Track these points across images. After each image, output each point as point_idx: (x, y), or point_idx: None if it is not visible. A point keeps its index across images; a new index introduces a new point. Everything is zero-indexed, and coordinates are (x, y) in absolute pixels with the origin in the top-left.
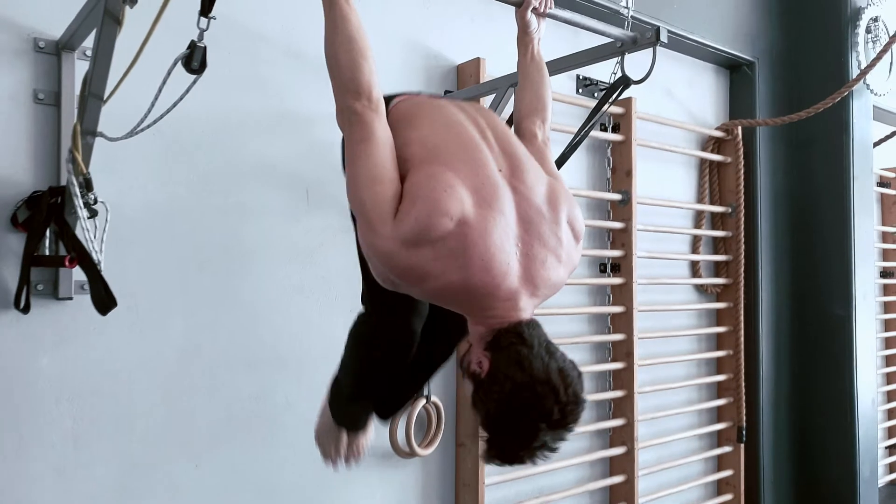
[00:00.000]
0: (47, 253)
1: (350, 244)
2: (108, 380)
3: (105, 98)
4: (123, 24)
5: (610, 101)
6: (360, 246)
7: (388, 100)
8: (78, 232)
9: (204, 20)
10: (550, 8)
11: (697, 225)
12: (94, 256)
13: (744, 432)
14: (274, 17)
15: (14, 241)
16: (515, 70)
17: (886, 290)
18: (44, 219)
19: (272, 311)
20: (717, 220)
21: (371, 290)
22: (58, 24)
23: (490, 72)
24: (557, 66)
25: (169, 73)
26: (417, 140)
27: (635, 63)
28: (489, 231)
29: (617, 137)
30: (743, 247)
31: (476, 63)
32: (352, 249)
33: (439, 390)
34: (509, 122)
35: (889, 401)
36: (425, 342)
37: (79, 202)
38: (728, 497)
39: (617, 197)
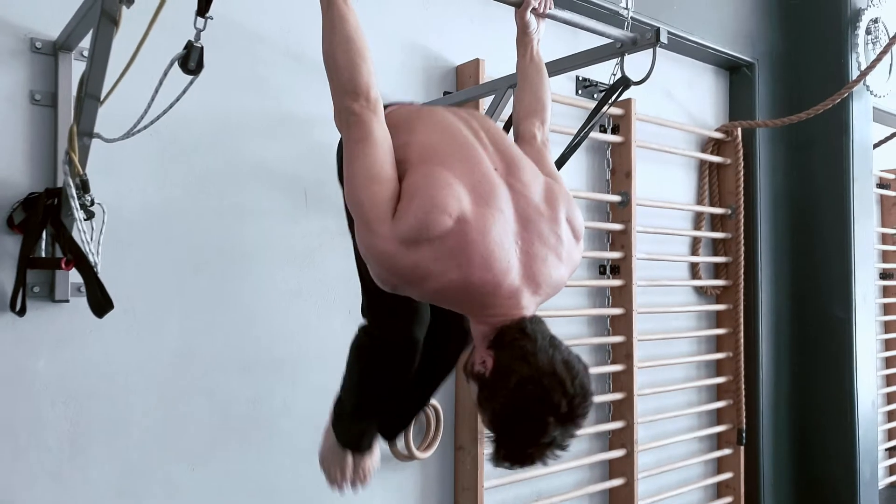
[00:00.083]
0: (43, 255)
1: (348, 247)
2: (104, 382)
3: (102, 99)
4: (120, 24)
5: (610, 102)
6: (358, 253)
7: None
8: (74, 234)
9: (201, 20)
10: (550, 8)
11: (697, 226)
12: (91, 258)
13: (744, 434)
14: (272, 17)
15: (10, 243)
16: (514, 71)
17: (886, 291)
18: (40, 220)
19: (270, 313)
20: (716, 222)
21: (371, 298)
22: (55, 24)
23: (489, 73)
24: (557, 67)
25: (165, 74)
26: (412, 143)
27: (635, 64)
28: (488, 228)
29: (616, 139)
30: (743, 248)
31: (475, 64)
32: (350, 252)
33: (438, 393)
34: (508, 122)
35: (889, 403)
36: (427, 355)
37: (75, 204)
38: (728, 500)
39: (616, 198)
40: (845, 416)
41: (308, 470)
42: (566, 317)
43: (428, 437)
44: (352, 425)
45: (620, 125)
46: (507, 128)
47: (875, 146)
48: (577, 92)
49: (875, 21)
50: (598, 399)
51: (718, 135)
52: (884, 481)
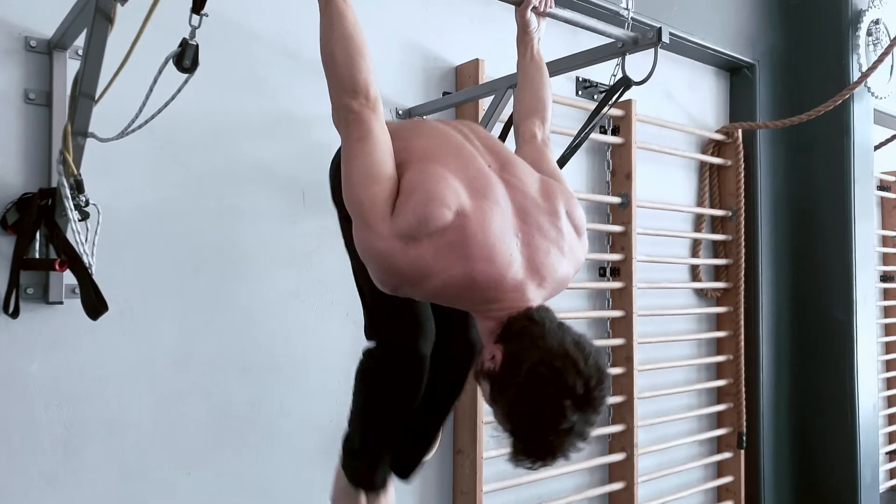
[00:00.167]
0: (37, 256)
1: None
2: (99, 385)
3: (96, 98)
4: (115, 21)
5: (611, 102)
6: (356, 269)
7: None
8: (69, 234)
9: (196, 17)
10: (551, 7)
11: (697, 228)
12: (85, 259)
13: (744, 438)
14: (270, 16)
15: (3, 244)
16: (514, 71)
17: (886, 294)
18: (34, 221)
19: (267, 315)
20: (717, 224)
21: (372, 313)
22: (50, 22)
23: (489, 73)
24: (557, 67)
25: (160, 72)
26: (407, 148)
27: (635, 65)
28: (488, 221)
29: (617, 140)
30: (743, 250)
31: (475, 64)
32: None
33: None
34: (509, 123)
35: (889, 406)
36: (434, 376)
37: (69, 204)
38: (728, 503)
39: (617, 200)
40: (846, 419)
41: (306, 473)
42: (566, 319)
43: None
44: (362, 461)
45: (621, 126)
46: (507, 128)
47: (875, 148)
48: (577, 93)
49: (876, 22)
50: None
51: (719, 136)
52: (885, 485)
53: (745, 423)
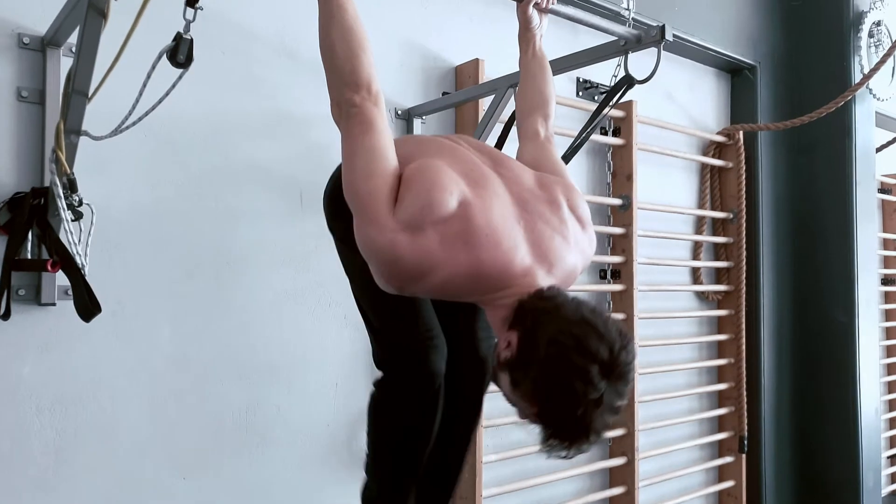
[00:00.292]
0: (29, 256)
1: None
2: (92, 389)
3: (90, 95)
4: (109, 17)
5: (613, 101)
6: (358, 295)
7: None
8: (61, 235)
9: (190, 11)
10: (553, 3)
11: (698, 231)
12: (78, 260)
13: (745, 442)
14: (267, 15)
15: None
16: (514, 71)
17: (888, 297)
18: (26, 221)
19: (264, 317)
20: (718, 226)
21: (379, 333)
22: (43, 19)
23: (489, 73)
24: (559, 66)
25: (154, 67)
26: (401, 154)
27: (636, 66)
28: (489, 208)
29: (617, 141)
30: (744, 253)
31: (475, 64)
32: None
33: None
34: (509, 122)
35: (891, 409)
36: (447, 400)
37: (62, 204)
38: None
39: (617, 202)
40: (848, 423)
41: (304, 477)
42: None
43: None
44: None
45: (621, 127)
46: (507, 128)
47: (877, 150)
48: (577, 94)
49: (878, 24)
50: None
51: (720, 138)
52: (887, 489)
53: (746, 427)
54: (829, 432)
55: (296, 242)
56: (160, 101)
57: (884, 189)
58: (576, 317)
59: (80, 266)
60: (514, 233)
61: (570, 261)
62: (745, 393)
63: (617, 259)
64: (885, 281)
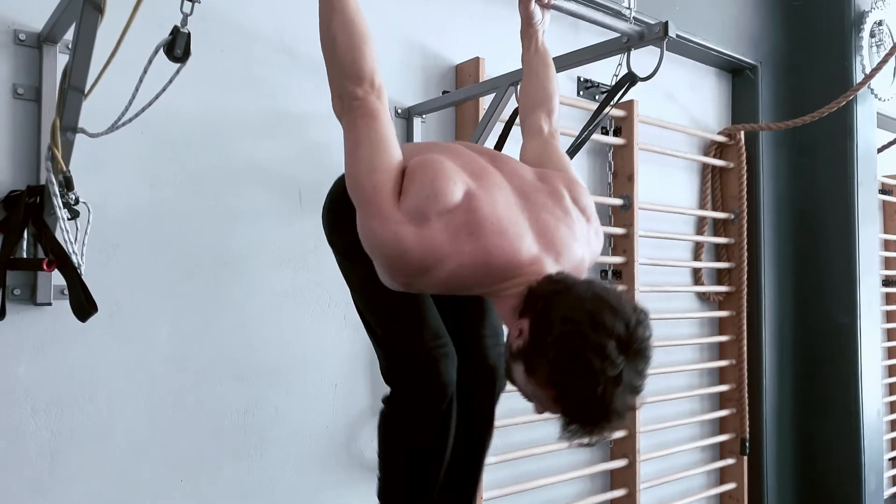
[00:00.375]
0: (25, 256)
1: None
2: (88, 390)
3: (86, 92)
4: (105, 12)
5: (615, 99)
6: (361, 308)
7: None
8: (57, 234)
9: (188, 4)
10: None
11: (699, 231)
12: (74, 259)
13: (747, 444)
14: (267, 13)
15: None
16: (515, 69)
17: (889, 299)
18: (21, 220)
19: (263, 317)
20: (719, 227)
21: (385, 342)
22: (39, 15)
23: (489, 71)
24: (561, 63)
25: (150, 62)
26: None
27: (636, 67)
28: (494, 199)
29: (619, 141)
30: (746, 254)
31: (475, 63)
32: None
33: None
34: (510, 122)
35: (893, 411)
36: (462, 415)
37: (58, 202)
38: None
39: (618, 202)
40: (850, 424)
41: (302, 479)
42: None
43: None
44: None
45: (623, 127)
46: (508, 127)
47: (878, 151)
48: (578, 93)
49: (879, 24)
50: None
51: (721, 138)
52: (889, 491)
53: (747, 429)
54: (830, 434)
55: (295, 242)
56: (157, 97)
57: (885, 190)
58: (588, 294)
59: (77, 265)
60: (519, 222)
61: (578, 251)
62: (746, 394)
63: (618, 259)
64: (887, 282)
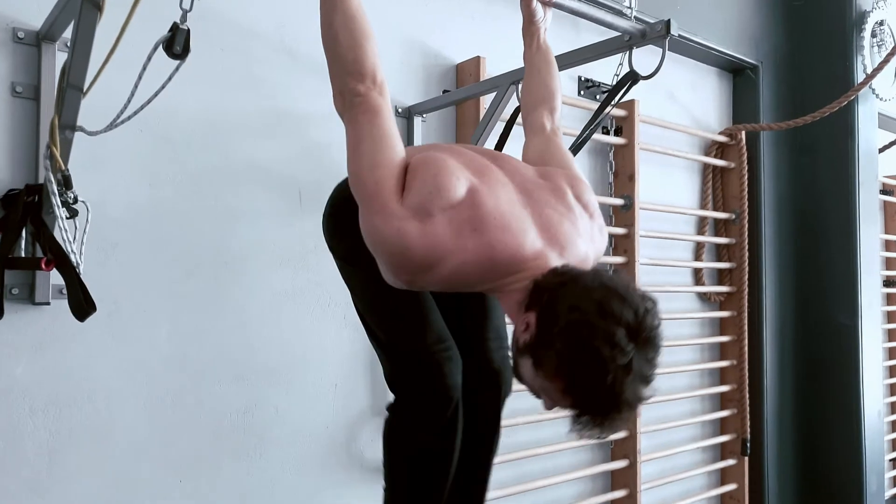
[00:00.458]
0: (23, 255)
1: None
2: (87, 390)
3: (85, 90)
4: (104, 9)
5: (616, 98)
6: (362, 311)
7: None
8: (56, 233)
9: (187, 0)
10: None
11: (700, 231)
12: (73, 259)
13: (748, 444)
14: (267, 12)
15: None
16: (516, 68)
17: (890, 299)
18: (19, 218)
19: (263, 317)
20: (720, 227)
21: (388, 346)
22: (38, 13)
23: (490, 70)
24: (563, 62)
25: (149, 58)
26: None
27: (638, 65)
28: (496, 195)
29: (619, 141)
30: (747, 254)
31: (476, 62)
32: None
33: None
34: (510, 121)
35: (894, 412)
36: (465, 418)
37: (56, 201)
38: None
39: (619, 202)
40: (851, 425)
41: (301, 480)
42: None
43: None
44: None
45: (623, 127)
46: (509, 126)
47: (880, 151)
48: (579, 93)
49: (881, 24)
50: None
51: (722, 138)
52: (890, 492)
53: (748, 430)
54: (831, 435)
55: (295, 242)
56: (156, 94)
57: (886, 190)
58: (595, 283)
59: (75, 264)
60: (522, 217)
61: (582, 247)
62: (747, 395)
63: (619, 259)
64: (888, 283)
